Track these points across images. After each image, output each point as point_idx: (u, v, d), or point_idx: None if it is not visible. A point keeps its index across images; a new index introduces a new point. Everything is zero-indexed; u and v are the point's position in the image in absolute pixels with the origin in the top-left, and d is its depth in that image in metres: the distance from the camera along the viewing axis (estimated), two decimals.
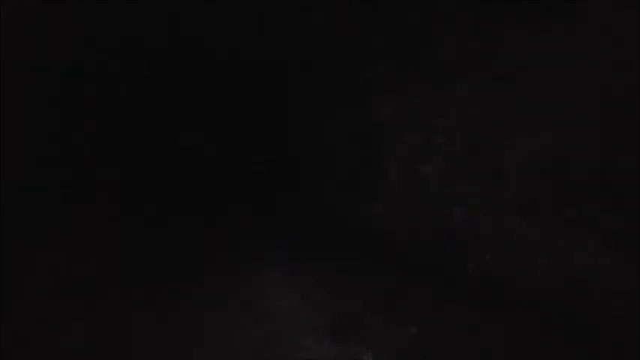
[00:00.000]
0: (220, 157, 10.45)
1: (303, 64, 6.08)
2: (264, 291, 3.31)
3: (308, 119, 6.28)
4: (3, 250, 3.83)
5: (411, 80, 3.84)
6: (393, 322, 2.94)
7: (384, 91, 4.47)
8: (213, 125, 10.90)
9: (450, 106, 3.33)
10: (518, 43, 2.89)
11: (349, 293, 3.29)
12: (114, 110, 9.17)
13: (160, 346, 2.87)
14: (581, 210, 2.81)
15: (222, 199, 8.56)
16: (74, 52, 7.12)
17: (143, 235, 5.29)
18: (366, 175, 5.17)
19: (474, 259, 3.30)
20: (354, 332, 2.90)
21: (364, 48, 4.58)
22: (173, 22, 7.54)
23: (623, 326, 2.79)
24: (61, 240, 4.78)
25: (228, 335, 2.88)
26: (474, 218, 3.25)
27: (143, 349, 2.83)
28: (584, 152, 2.83)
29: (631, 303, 2.78)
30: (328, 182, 5.98)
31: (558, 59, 2.80)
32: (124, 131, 9.68)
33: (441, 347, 2.87)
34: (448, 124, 3.41)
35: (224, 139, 10.54)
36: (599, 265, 2.83)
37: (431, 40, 3.41)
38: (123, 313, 2.92)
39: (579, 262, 2.78)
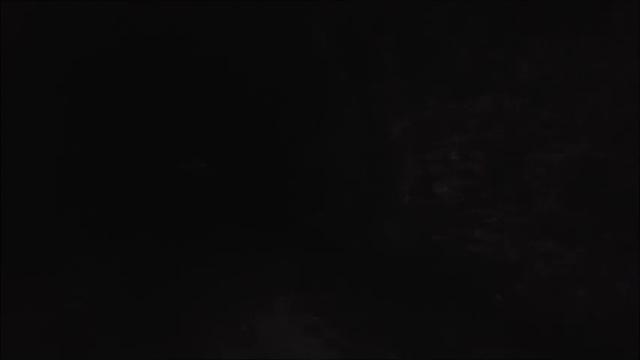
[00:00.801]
0: (221, 182, 10.23)
1: (307, 81, 5.90)
2: (268, 325, 3.02)
3: (312, 139, 6.05)
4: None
5: (424, 93, 3.58)
6: None
7: (394, 105, 4.18)
8: (214, 148, 10.70)
9: (469, 121, 3.06)
10: (542, 53, 2.65)
11: (363, 330, 2.95)
12: (117, 139, 9.13)
13: None
14: (622, 231, 2.49)
15: (225, 225, 8.34)
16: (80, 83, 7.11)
17: (142, 262, 4.95)
18: (377, 197, 4.86)
19: (501, 289, 2.96)
20: None
21: (372, 60, 4.37)
22: (174, 48, 7.49)
23: None
24: (62, 265, 4.66)
25: None
26: (499, 242, 2.93)
27: None
28: (619, 167, 2.53)
29: None
30: (334, 205, 5.68)
31: (585, 68, 2.54)
32: (126, 158, 9.60)
33: None
34: (467, 140, 3.13)
35: (224, 160, 10.35)
36: None
37: (446, 51, 3.17)
38: (123, 345, 2.63)
39: (624, 292, 2.44)
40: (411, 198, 3.79)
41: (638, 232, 2.46)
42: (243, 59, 6.94)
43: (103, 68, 6.78)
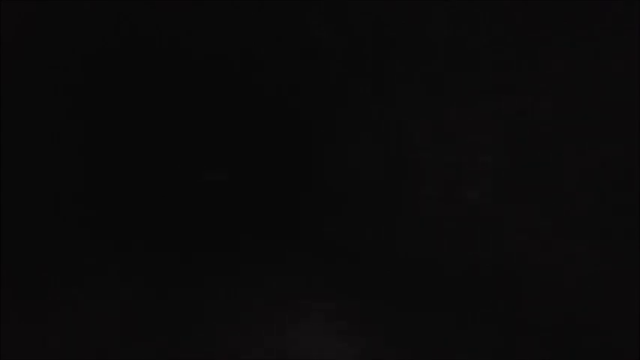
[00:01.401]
0: (243, 191, 10.32)
1: (325, 89, 5.85)
2: (296, 333, 3.00)
3: (329, 145, 5.97)
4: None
5: (447, 95, 3.51)
6: None
7: (416, 108, 4.06)
8: (236, 159, 10.83)
9: (495, 122, 2.98)
10: (572, 51, 2.57)
11: (399, 340, 2.89)
12: (141, 147, 9.24)
13: None
14: None
15: (247, 234, 8.36)
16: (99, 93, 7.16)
17: (169, 271, 4.87)
18: (400, 202, 4.71)
19: (535, 294, 2.88)
20: None
21: (391, 63, 4.29)
22: (197, 59, 7.52)
23: None
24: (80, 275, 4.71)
25: None
26: (529, 245, 2.85)
27: None
28: None
29: None
30: (355, 213, 5.59)
31: (610, 66, 2.45)
32: (150, 168, 9.70)
33: None
34: (493, 141, 3.04)
35: (247, 170, 10.44)
36: None
37: (469, 50, 3.10)
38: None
39: None
40: (437, 203, 3.71)
41: None
42: (262, 66, 6.96)
43: (110, 67, 6.81)
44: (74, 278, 4.46)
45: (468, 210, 3.35)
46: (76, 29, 5.43)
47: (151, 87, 8.42)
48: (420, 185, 4.00)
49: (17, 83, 4.81)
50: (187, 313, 3.50)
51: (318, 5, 4.97)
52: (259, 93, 8.06)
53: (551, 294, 2.83)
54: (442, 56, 3.45)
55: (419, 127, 4.00)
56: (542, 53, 2.77)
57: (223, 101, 9.37)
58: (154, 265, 5.36)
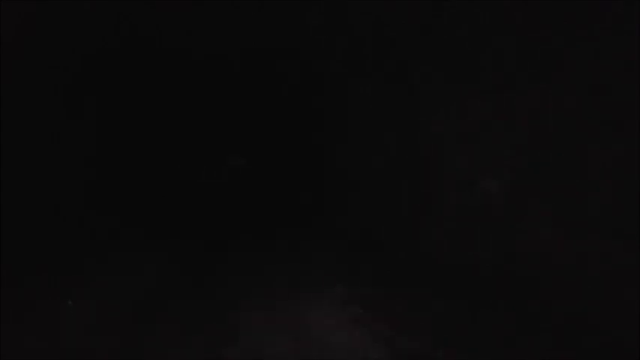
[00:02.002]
0: (261, 179, 10.24)
1: (342, 79, 5.84)
2: (314, 317, 3.02)
3: (351, 135, 5.95)
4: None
5: (468, 88, 3.55)
6: None
7: (436, 100, 4.03)
8: (255, 147, 10.77)
9: (518, 115, 3.02)
10: (594, 43, 2.63)
11: (409, 326, 2.89)
12: (166, 133, 9.13)
13: None
14: None
15: (266, 221, 8.31)
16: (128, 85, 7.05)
17: (194, 256, 4.91)
18: (418, 194, 4.61)
19: (554, 292, 2.91)
20: None
21: (413, 56, 4.30)
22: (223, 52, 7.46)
23: None
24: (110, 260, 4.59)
25: None
26: (550, 239, 2.88)
27: None
28: None
29: None
30: (375, 202, 5.58)
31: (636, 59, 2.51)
32: (175, 152, 9.58)
33: None
34: (514, 135, 3.08)
35: (264, 159, 10.37)
36: None
37: (491, 42, 3.13)
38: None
39: None
40: (456, 196, 3.74)
41: None
42: (282, 57, 6.96)
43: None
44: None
45: (484, 201, 3.38)
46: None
47: (160, 85, 8.37)
48: (439, 177, 4.02)
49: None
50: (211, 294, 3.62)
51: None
52: (276, 87, 8.09)
53: (561, 292, 2.87)
54: (465, 49, 3.46)
55: (436, 119, 4.02)
56: (567, 47, 2.80)
57: (242, 96, 9.40)
58: (178, 250, 5.37)
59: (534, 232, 3.01)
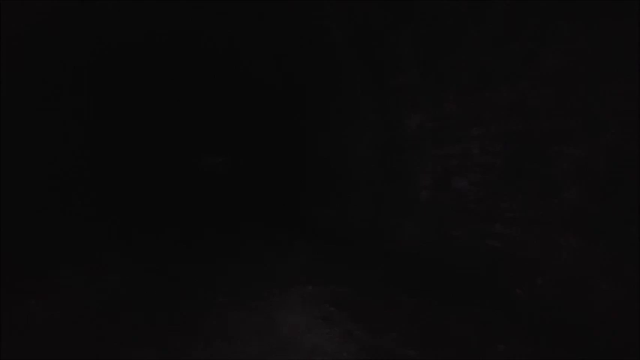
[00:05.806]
0: (237, 176, 10.35)
1: (322, 75, 5.88)
2: (284, 316, 3.07)
3: (326, 134, 6.03)
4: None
5: (442, 86, 3.54)
6: None
7: (411, 99, 4.07)
8: (231, 144, 10.80)
9: (490, 113, 3.01)
10: (566, 42, 2.59)
11: (380, 324, 2.95)
12: (140, 135, 9.30)
13: None
14: None
15: (239, 218, 8.45)
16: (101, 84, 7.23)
17: (160, 257, 4.87)
18: (392, 192, 4.72)
19: (522, 284, 2.90)
20: None
21: (389, 53, 4.32)
22: (196, 47, 7.63)
23: None
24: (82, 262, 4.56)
25: None
26: (520, 237, 2.86)
27: None
28: None
29: None
30: (349, 201, 5.66)
31: (611, 58, 2.46)
32: (148, 154, 9.78)
33: None
34: (487, 133, 3.07)
35: (241, 156, 10.43)
36: None
37: (465, 42, 3.12)
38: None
39: None
40: (429, 193, 3.74)
41: None
42: (261, 55, 7.02)
43: (109, 63, 6.86)
44: (77, 261, 4.58)
45: (457, 199, 3.37)
46: (76, 29, 5.47)
47: (153, 81, 8.51)
48: (414, 174, 4.03)
49: (17, 83, 4.78)
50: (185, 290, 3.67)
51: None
52: (259, 82, 8.14)
53: (536, 286, 2.84)
54: (440, 48, 3.46)
55: (416, 117, 4.03)
56: (539, 45, 2.77)
57: (224, 91, 9.48)
58: (158, 247, 5.49)
59: (506, 230, 2.99)
